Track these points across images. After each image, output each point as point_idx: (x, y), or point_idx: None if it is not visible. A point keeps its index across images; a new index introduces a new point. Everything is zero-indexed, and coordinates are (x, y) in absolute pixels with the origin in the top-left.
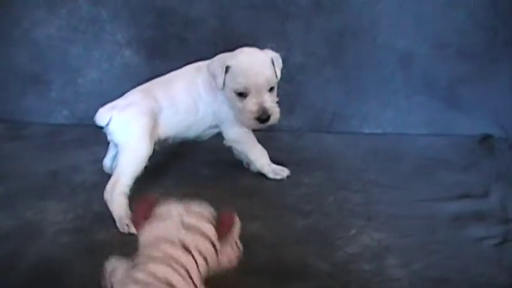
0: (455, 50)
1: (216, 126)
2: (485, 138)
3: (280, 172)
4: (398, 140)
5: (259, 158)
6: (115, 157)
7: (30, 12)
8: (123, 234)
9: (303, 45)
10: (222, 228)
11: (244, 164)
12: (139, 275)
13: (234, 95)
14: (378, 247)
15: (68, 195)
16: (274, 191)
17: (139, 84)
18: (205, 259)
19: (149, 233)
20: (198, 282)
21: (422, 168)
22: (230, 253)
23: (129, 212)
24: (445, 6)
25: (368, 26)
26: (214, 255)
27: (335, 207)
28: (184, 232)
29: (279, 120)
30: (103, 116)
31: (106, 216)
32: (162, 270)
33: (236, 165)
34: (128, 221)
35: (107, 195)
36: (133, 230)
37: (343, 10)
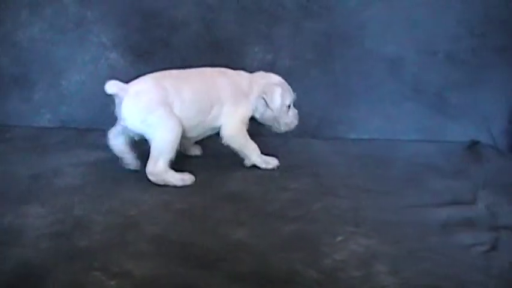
0: (444, 56)
1: (214, 128)
2: (474, 145)
3: (271, 161)
4: (387, 146)
5: (253, 152)
6: (120, 133)
7: (13, 13)
8: (104, 240)
9: (291, 49)
10: None
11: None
12: None
13: (285, 108)
14: (366, 254)
15: (48, 199)
16: (260, 197)
17: None
18: None
19: None
20: None
21: (410, 175)
22: None
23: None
24: (435, 12)
25: (356, 31)
26: None
27: (322, 213)
28: None
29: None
30: (112, 87)
31: (87, 221)
32: None
33: (223, 170)
34: (186, 177)
35: (151, 177)
36: (190, 181)
37: (331, 14)
